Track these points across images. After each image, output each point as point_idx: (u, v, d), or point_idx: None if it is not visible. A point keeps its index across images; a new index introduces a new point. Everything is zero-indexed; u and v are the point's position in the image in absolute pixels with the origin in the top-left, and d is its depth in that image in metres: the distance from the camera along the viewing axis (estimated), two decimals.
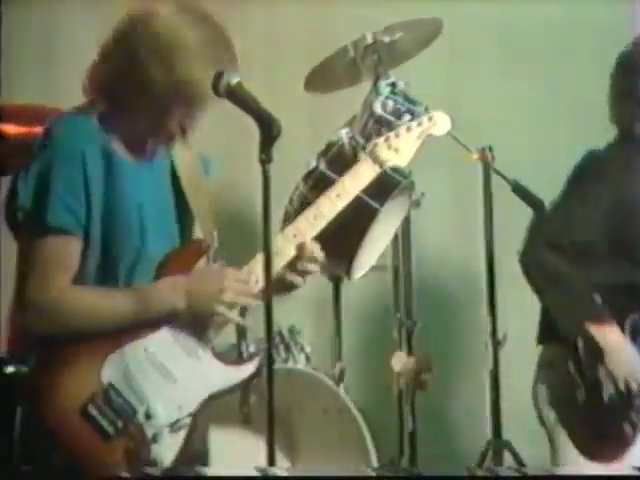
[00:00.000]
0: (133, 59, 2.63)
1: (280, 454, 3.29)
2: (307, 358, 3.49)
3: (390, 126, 3.38)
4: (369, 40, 3.64)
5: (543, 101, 4.29)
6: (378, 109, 3.37)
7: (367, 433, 3.35)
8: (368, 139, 3.30)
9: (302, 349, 3.49)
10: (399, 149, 2.83)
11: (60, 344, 2.54)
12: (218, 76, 2.65)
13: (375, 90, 3.44)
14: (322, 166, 3.18)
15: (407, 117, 2.96)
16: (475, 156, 3.76)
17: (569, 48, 4.29)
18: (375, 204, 3.16)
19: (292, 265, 2.73)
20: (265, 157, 2.63)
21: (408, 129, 2.87)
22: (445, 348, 4.26)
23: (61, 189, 2.53)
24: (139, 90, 2.61)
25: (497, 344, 3.62)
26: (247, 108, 2.68)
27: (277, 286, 2.64)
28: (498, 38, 4.34)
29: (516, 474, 3.36)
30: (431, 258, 4.22)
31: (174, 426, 2.57)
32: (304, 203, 3.18)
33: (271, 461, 2.67)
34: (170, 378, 2.58)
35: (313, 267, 2.73)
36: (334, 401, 3.35)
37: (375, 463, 3.38)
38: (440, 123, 2.87)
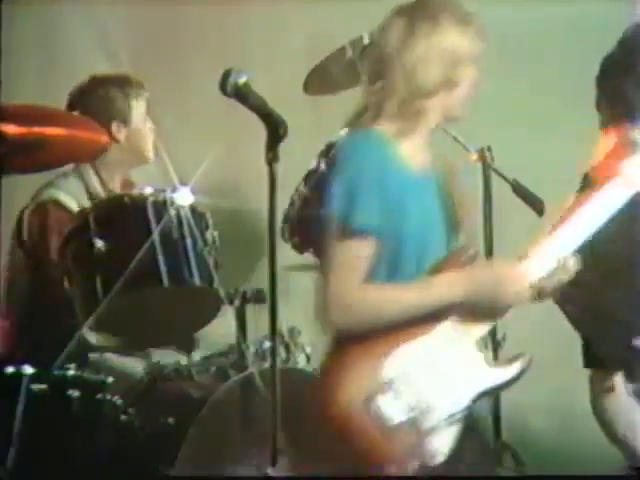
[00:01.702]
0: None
1: (282, 455, 3.30)
2: (308, 358, 3.49)
3: None
4: (366, 40, 3.63)
5: (542, 101, 4.29)
6: None
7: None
8: None
9: (302, 349, 3.49)
10: None
11: (347, 341, 2.68)
12: (225, 75, 2.66)
13: None
14: (323, 167, 3.18)
15: None
16: (474, 156, 3.75)
17: (569, 48, 4.29)
18: None
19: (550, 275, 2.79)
20: (272, 157, 2.64)
21: None
22: None
23: (366, 194, 2.68)
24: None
25: (497, 344, 3.61)
26: (254, 107, 2.69)
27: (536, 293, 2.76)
28: (497, 38, 4.33)
29: (515, 474, 3.37)
30: None
31: (450, 420, 2.66)
32: (305, 203, 3.19)
33: (274, 461, 2.68)
34: (446, 373, 2.68)
35: (566, 278, 2.79)
36: None
37: None
38: None
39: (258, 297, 3.28)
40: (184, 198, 3.06)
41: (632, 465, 3.08)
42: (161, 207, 3.03)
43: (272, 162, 2.62)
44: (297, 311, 4.08)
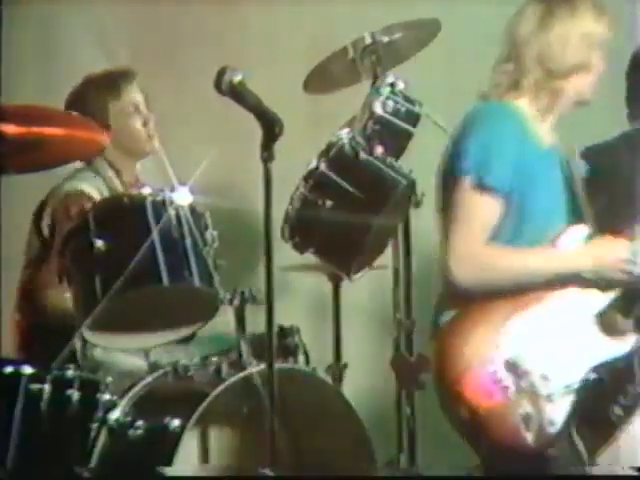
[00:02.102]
0: None
1: (280, 454, 3.30)
2: (307, 358, 3.49)
3: (390, 126, 3.39)
4: (368, 40, 3.63)
5: None
6: (378, 109, 3.37)
7: (367, 432, 3.35)
8: (368, 139, 3.31)
9: (302, 349, 3.48)
10: None
11: (467, 303, 2.78)
12: (220, 73, 2.66)
13: (375, 90, 3.44)
14: (322, 166, 3.18)
15: None
16: None
17: None
18: (376, 204, 3.16)
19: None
20: (267, 155, 2.65)
21: None
22: None
23: (502, 156, 2.82)
24: None
25: None
26: (249, 106, 2.70)
27: None
28: (499, 38, 4.33)
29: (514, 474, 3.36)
30: (431, 258, 4.21)
31: (567, 389, 2.71)
32: (305, 203, 3.19)
33: (272, 460, 2.68)
34: (564, 343, 2.73)
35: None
36: (334, 401, 3.34)
37: (375, 463, 3.37)
38: None
39: (257, 297, 3.28)
40: (183, 198, 3.06)
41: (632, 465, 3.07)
42: (160, 207, 3.03)
43: (267, 161, 2.63)
44: (297, 311, 4.10)
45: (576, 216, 2.90)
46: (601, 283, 2.80)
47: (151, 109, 3.68)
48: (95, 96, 3.57)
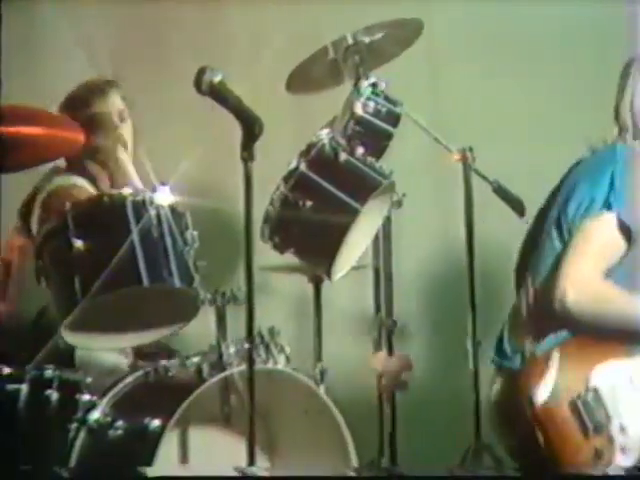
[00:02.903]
0: None
1: (260, 455, 3.30)
2: (287, 359, 3.48)
3: (371, 127, 3.39)
4: (349, 41, 3.62)
5: (526, 101, 4.29)
6: (359, 110, 3.38)
7: (347, 433, 3.35)
8: (349, 140, 3.31)
9: (282, 350, 3.47)
10: None
11: (569, 331, 2.81)
12: (200, 73, 2.66)
13: (356, 91, 3.44)
14: (303, 167, 3.18)
15: None
16: (456, 157, 3.76)
17: (553, 48, 4.30)
18: (356, 204, 3.17)
19: None
20: (247, 155, 2.65)
21: None
22: (426, 348, 4.27)
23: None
24: None
25: (477, 344, 3.62)
26: (229, 106, 2.70)
27: None
28: (481, 38, 4.35)
29: (495, 474, 3.38)
30: (412, 258, 4.23)
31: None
32: (285, 203, 3.19)
33: (251, 461, 2.68)
34: None
35: None
36: (314, 402, 3.34)
37: (355, 463, 3.37)
38: None
39: (237, 297, 3.27)
40: (164, 198, 3.06)
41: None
42: (140, 207, 3.02)
43: (247, 161, 2.63)
44: (278, 311, 4.10)
45: None
46: None
47: (133, 111, 3.66)
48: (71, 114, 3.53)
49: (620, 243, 2.88)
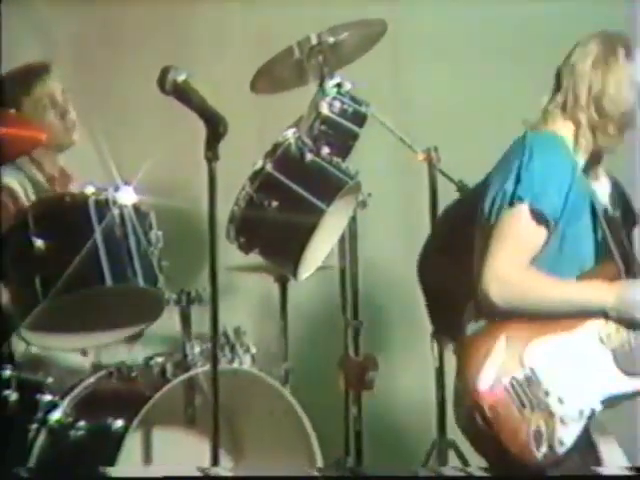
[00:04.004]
0: None
1: (225, 455, 3.29)
2: (253, 359, 3.48)
3: (337, 127, 3.39)
4: (314, 41, 3.61)
5: (492, 102, 4.30)
6: (324, 110, 3.37)
7: (313, 434, 3.35)
8: (315, 140, 3.30)
9: (248, 350, 3.47)
10: None
11: (501, 318, 2.86)
12: (164, 72, 2.65)
13: (321, 91, 3.43)
14: (268, 167, 3.17)
15: None
16: (420, 157, 3.77)
17: (520, 49, 4.30)
18: (321, 204, 3.17)
19: None
20: (211, 155, 2.64)
21: None
22: (392, 348, 4.27)
23: (558, 186, 2.90)
24: None
25: (442, 342, 3.63)
26: (193, 106, 2.69)
27: None
28: (447, 38, 4.36)
29: (460, 474, 3.39)
30: (378, 258, 4.23)
31: (580, 415, 2.83)
32: (250, 203, 3.18)
33: (215, 461, 2.67)
34: (582, 372, 2.86)
35: None
36: (280, 402, 3.34)
37: (321, 463, 3.37)
38: None
39: (202, 298, 3.27)
40: (127, 197, 3.04)
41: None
42: (103, 206, 3.00)
43: (212, 160, 2.62)
44: (244, 311, 4.09)
45: (605, 255, 2.99)
46: (623, 322, 2.90)
47: (76, 101, 3.62)
48: (9, 92, 3.52)
49: (538, 231, 2.90)
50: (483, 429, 2.80)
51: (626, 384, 2.89)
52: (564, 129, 2.99)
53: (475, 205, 3.03)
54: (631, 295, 2.90)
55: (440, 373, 3.71)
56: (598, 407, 2.86)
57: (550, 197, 2.90)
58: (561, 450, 2.81)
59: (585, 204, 2.97)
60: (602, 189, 3.07)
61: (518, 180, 2.91)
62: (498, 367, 2.83)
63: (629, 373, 2.89)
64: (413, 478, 3.20)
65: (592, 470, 2.87)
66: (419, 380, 4.08)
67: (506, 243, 2.90)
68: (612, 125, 2.96)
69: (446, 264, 3.13)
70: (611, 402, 2.89)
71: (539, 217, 2.89)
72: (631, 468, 2.93)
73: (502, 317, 2.88)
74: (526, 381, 2.83)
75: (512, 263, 2.87)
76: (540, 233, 2.90)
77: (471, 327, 2.94)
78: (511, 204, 2.91)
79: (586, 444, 2.86)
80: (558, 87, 3.02)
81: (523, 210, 2.90)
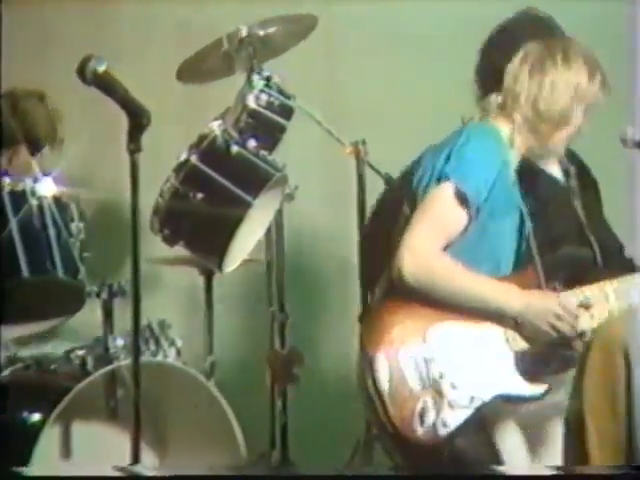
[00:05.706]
0: None
1: (148, 451, 3.26)
2: (178, 352, 3.45)
3: (263, 120, 3.37)
4: (243, 33, 3.60)
5: (425, 97, 4.31)
6: (251, 102, 3.36)
7: (238, 428, 3.33)
8: (241, 132, 3.28)
9: (173, 343, 3.45)
10: None
11: (405, 295, 2.86)
12: (85, 62, 2.61)
13: (249, 83, 3.42)
14: (193, 158, 3.15)
15: None
16: (348, 150, 3.76)
17: (459, 43, 4.30)
18: (247, 197, 3.15)
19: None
20: (134, 147, 2.60)
21: None
22: (318, 341, 4.27)
23: (484, 172, 2.92)
24: None
25: None
26: (115, 96, 2.65)
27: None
28: (382, 33, 4.35)
29: (388, 472, 3.39)
30: (304, 251, 4.22)
31: (469, 403, 2.84)
32: (175, 195, 3.15)
33: (135, 458, 2.63)
34: (480, 365, 2.87)
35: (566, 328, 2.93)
36: (204, 396, 3.31)
37: (245, 457, 3.36)
38: None
39: (125, 290, 3.23)
40: (47, 188, 3.00)
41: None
42: (20, 197, 2.96)
43: (134, 152, 2.58)
44: (169, 304, 4.06)
45: (526, 263, 2.98)
46: (526, 331, 2.89)
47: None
48: None
49: (458, 212, 2.92)
50: (373, 396, 2.81)
51: (523, 388, 2.88)
52: (503, 126, 3.03)
53: (405, 187, 3.05)
54: (540, 304, 2.89)
55: None
56: (488, 399, 2.85)
57: (475, 181, 2.92)
58: (443, 431, 2.81)
59: (512, 206, 2.97)
60: (551, 166, 3.09)
61: (448, 159, 2.94)
62: (399, 339, 2.84)
63: (528, 378, 2.88)
64: (337, 477, 3.21)
65: (487, 460, 2.87)
66: (345, 373, 4.07)
67: (426, 218, 2.91)
68: (548, 125, 2.98)
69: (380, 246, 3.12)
70: (510, 401, 2.88)
71: (462, 198, 2.91)
72: (631, 468, 2.92)
73: (410, 295, 2.88)
74: (423, 359, 2.85)
75: (428, 238, 2.88)
76: (460, 215, 2.91)
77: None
78: (438, 181, 2.94)
79: (475, 432, 2.85)
80: (498, 86, 3.04)
81: (448, 188, 2.92)
